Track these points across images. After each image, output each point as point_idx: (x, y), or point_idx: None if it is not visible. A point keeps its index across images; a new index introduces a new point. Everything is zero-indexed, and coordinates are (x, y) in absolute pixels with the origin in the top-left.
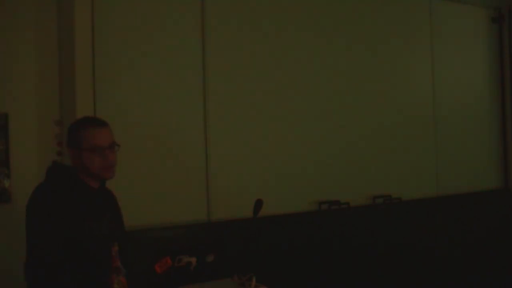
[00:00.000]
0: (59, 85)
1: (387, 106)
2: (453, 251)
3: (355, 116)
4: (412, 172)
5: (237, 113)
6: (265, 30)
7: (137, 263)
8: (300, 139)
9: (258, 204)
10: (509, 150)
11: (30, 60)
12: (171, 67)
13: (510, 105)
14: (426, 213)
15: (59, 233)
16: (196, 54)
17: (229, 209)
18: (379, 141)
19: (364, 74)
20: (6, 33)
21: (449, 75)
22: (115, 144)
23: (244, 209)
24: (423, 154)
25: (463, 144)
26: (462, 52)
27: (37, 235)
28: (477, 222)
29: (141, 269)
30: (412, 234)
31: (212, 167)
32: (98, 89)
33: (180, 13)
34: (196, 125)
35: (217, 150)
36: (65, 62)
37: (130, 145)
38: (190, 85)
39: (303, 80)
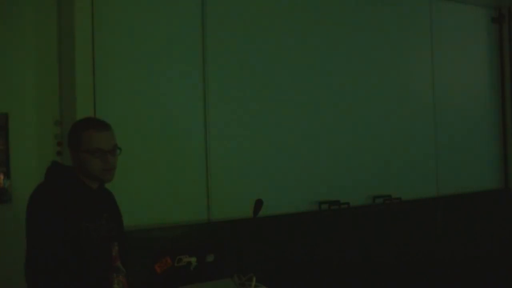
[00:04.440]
0: (59, 85)
1: (387, 106)
2: (453, 251)
3: (355, 116)
4: (412, 172)
5: (237, 113)
6: (265, 29)
7: (137, 263)
8: (300, 139)
9: (258, 204)
10: (509, 150)
11: (30, 60)
12: (171, 68)
13: (510, 105)
14: (426, 213)
15: (59, 233)
16: (197, 54)
17: (229, 209)
18: (379, 141)
19: (363, 75)
20: (6, 33)
21: (449, 75)
22: (116, 148)
23: (244, 209)
24: (423, 154)
25: (463, 144)
26: (462, 52)
27: (37, 235)
28: (477, 222)
29: (141, 269)
30: (412, 234)
31: (212, 167)
32: (98, 89)
33: (181, 12)
34: (197, 124)
35: (217, 150)
36: (65, 62)
37: (130, 145)
38: (191, 85)
39: (303, 80)
